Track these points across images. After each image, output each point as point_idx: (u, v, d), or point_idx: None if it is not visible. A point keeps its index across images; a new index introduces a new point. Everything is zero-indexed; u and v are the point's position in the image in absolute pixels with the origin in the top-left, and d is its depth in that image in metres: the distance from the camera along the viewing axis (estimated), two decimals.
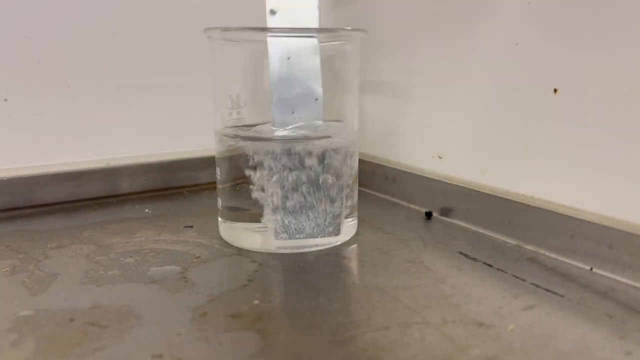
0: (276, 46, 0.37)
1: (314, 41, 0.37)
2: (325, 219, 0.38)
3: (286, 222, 0.38)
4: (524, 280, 0.35)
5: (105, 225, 0.45)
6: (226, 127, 0.39)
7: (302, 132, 0.37)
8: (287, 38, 0.37)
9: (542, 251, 0.39)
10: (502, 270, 0.36)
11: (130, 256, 0.38)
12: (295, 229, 0.38)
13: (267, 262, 0.37)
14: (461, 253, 0.39)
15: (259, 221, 0.39)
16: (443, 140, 0.48)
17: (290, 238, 0.38)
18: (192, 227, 0.45)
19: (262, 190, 0.38)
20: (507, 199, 0.42)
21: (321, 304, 0.31)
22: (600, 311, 0.31)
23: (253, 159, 0.38)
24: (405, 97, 0.52)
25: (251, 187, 0.38)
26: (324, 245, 0.40)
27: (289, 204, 0.38)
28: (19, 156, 0.51)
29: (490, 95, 0.43)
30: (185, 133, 0.58)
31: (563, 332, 0.28)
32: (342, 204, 0.39)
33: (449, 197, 0.47)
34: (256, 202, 0.38)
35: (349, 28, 0.40)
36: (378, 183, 0.54)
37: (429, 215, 0.47)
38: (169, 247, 0.40)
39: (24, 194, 0.49)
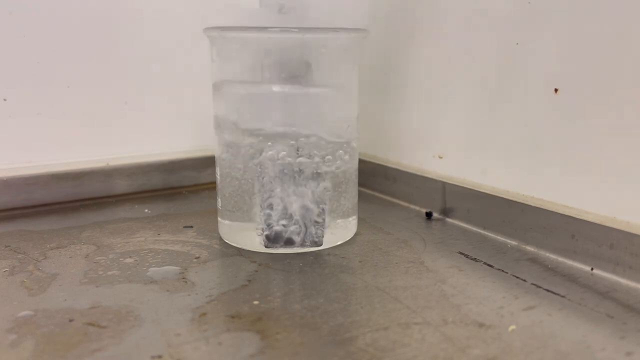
0: None
1: None
2: (310, 232, 0.39)
3: (273, 234, 0.38)
4: (524, 281, 0.35)
5: (104, 225, 0.45)
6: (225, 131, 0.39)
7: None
8: None
9: (542, 251, 0.39)
10: (502, 271, 0.36)
11: (130, 256, 0.38)
12: (281, 239, 0.38)
13: (267, 262, 0.37)
14: (461, 253, 0.39)
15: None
16: (443, 140, 0.48)
17: (278, 248, 0.39)
18: (192, 227, 0.45)
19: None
20: (507, 199, 0.41)
21: (321, 304, 0.31)
22: (601, 311, 0.31)
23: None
24: (405, 97, 0.52)
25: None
26: (323, 245, 0.40)
27: (275, 219, 0.38)
28: (18, 156, 0.50)
29: (490, 95, 0.43)
30: (185, 133, 0.58)
31: (564, 333, 0.28)
32: (324, 218, 0.39)
33: (449, 197, 0.47)
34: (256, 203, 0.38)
35: (349, 28, 0.40)
36: (378, 183, 0.54)
37: (429, 215, 0.47)
38: (168, 248, 0.40)
39: (23, 193, 0.49)
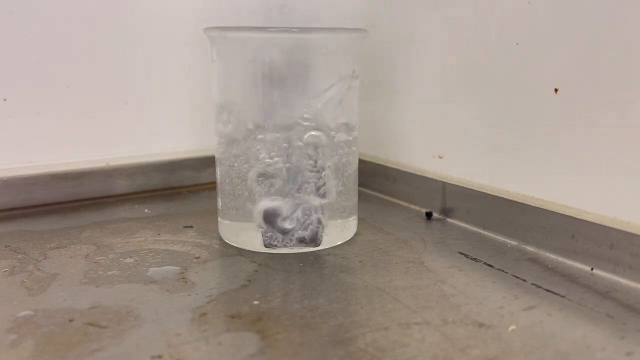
0: None
1: None
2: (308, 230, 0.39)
3: (269, 233, 0.38)
4: (524, 281, 0.35)
5: (104, 225, 0.45)
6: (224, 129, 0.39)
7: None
8: None
9: (542, 251, 0.39)
10: (502, 271, 0.36)
11: (130, 256, 0.38)
12: (278, 239, 0.38)
13: (267, 262, 0.37)
14: (462, 253, 0.39)
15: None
16: (443, 140, 0.48)
17: (276, 247, 0.39)
18: (192, 227, 0.45)
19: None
20: (507, 199, 0.41)
21: (321, 304, 0.31)
22: (600, 311, 0.31)
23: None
24: (405, 97, 0.52)
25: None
26: (323, 245, 0.40)
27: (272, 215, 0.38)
28: (18, 156, 0.50)
29: (490, 95, 0.43)
30: (185, 133, 0.58)
31: (564, 333, 0.28)
32: (323, 217, 0.39)
33: (449, 197, 0.47)
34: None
35: (349, 28, 0.40)
36: (378, 183, 0.54)
37: (429, 215, 0.47)
38: (168, 248, 0.40)
39: (23, 193, 0.49)
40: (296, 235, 0.38)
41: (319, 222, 0.39)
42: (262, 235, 0.38)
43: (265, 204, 0.38)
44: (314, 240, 0.39)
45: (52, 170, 0.50)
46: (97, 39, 0.52)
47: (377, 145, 0.56)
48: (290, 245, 0.39)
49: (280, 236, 0.38)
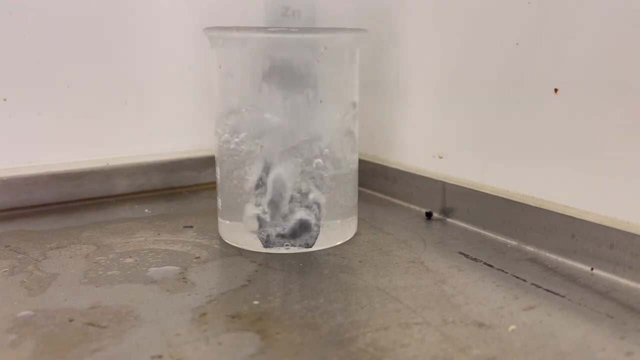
0: None
1: None
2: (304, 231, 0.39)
3: (269, 232, 0.38)
4: (524, 281, 0.35)
5: (104, 225, 0.45)
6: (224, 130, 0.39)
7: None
8: None
9: (542, 251, 0.39)
10: (502, 271, 0.36)
11: (130, 256, 0.38)
12: (275, 239, 0.39)
13: (267, 262, 0.37)
14: (462, 253, 0.39)
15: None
16: (443, 140, 0.48)
17: (273, 246, 0.39)
18: (192, 227, 0.45)
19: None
20: (507, 199, 0.41)
21: (321, 304, 0.31)
22: (601, 311, 0.31)
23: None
24: (405, 97, 0.52)
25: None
26: (324, 245, 0.40)
27: (271, 216, 0.38)
28: (18, 156, 0.50)
29: (490, 95, 0.43)
30: (185, 133, 0.58)
31: (564, 333, 0.28)
32: (318, 218, 0.39)
33: (449, 197, 0.47)
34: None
35: (349, 28, 0.40)
36: (378, 183, 0.54)
37: (429, 215, 0.47)
38: (168, 248, 0.40)
39: (23, 193, 0.49)
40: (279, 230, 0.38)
41: (316, 224, 0.39)
42: (259, 223, 0.38)
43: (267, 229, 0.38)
44: (307, 243, 0.39)
45: (52, 170, 0.50)
46: (97, 39, 0.52)
47: (377, 145, 0.56)
48: (288, 245, 0.39)
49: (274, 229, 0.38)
